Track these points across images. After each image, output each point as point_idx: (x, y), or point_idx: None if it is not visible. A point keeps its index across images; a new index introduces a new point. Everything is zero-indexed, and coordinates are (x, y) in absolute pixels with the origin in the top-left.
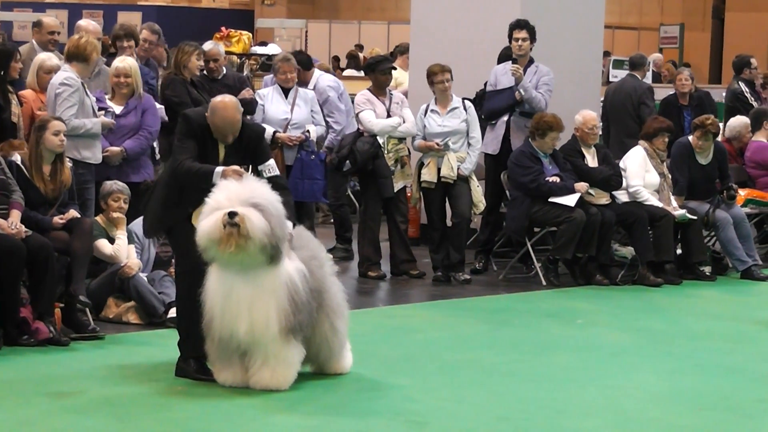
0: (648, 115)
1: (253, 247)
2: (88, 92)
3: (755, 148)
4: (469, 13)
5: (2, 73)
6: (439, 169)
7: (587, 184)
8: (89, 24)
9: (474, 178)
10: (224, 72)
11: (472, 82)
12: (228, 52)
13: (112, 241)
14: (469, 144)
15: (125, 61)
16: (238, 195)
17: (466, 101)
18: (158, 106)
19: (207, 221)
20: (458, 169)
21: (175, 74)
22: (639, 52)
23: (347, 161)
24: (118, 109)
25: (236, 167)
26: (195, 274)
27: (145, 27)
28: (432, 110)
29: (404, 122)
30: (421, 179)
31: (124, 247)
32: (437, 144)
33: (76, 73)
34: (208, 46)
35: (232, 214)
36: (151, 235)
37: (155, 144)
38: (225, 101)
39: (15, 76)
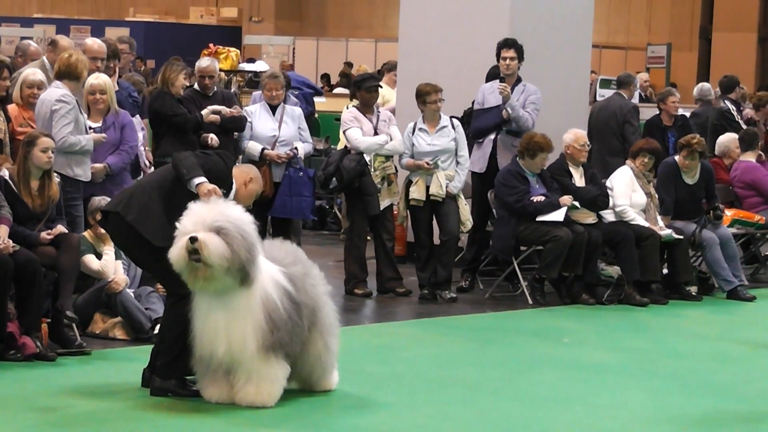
0: (632, 134)
1: (218, 273)
2: (81, 110)
3: (743, 168)
4: (457, 32)
5: None
6: (427, 187)
7: (571, 197)
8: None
9: (462, 196)
10: (215, 89)
11: (460, 101)
12: None
13: (99, 256)
14: (457, 162)
15: (99, 78)
16: (204, 219)
17: (454, 120)
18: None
19: (173, 249)
20: (447, 187)
21: (162, 90)
22: (626, 71)
23: (333, 178)
24: (96, 126)
25: (215, 187)
26: (185, 301)
27: (119, 42)
28: (420, 129)
29: (391, 140)
30: (410, 197)
31: (111, 263)
32: (427, 163)
33: (69, 91)
34: (205, 62)
35: (192, 240)
36: (164, 242)
37: (143, 155)
38: (260, 176)
39: (2, 93)
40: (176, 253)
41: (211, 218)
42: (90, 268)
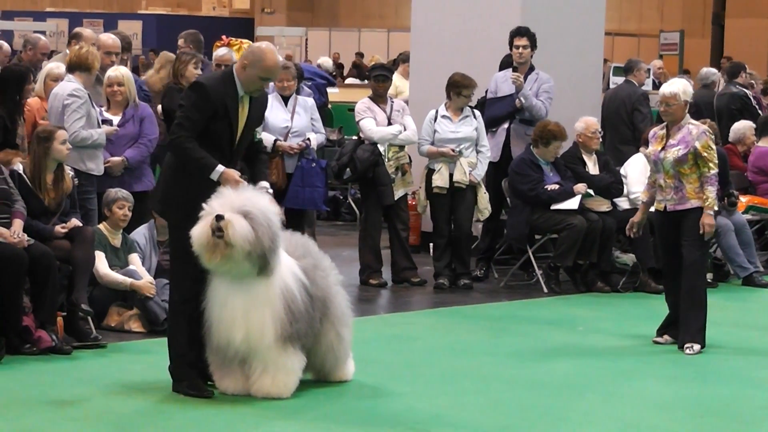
0: (641, 122)
1: (238, 255)
2: (94, 103)
3: (759, 153)
4: (469, 21)
5: (17, 97)
6: (451, 175)
7: (585, 185)
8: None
9: (482, 184)
10: None
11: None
12: None
13: (113, 249)
14: (478, 151)
15: (118, 70)
16: (232, 203)
17: (474, 110)
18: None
19: (197, 227)
20: (470, 174)
21: (174, 83)
22: (632, 58)
23: (347, 169)
24: (115, 119)
25: (236, 175)
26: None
27: (182, 37)
28: (444, 116)
29: (405, 130)
30: (433, 185)
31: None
32: (452, 150)
33: (81, 84)
34: (221, 51)
35: (218, 218)
36: (166, 208)
37: None
38: (268, 46)
39: (28, 97)
40: (199, 230)
41: (240, 202)
42: (113, 281)
